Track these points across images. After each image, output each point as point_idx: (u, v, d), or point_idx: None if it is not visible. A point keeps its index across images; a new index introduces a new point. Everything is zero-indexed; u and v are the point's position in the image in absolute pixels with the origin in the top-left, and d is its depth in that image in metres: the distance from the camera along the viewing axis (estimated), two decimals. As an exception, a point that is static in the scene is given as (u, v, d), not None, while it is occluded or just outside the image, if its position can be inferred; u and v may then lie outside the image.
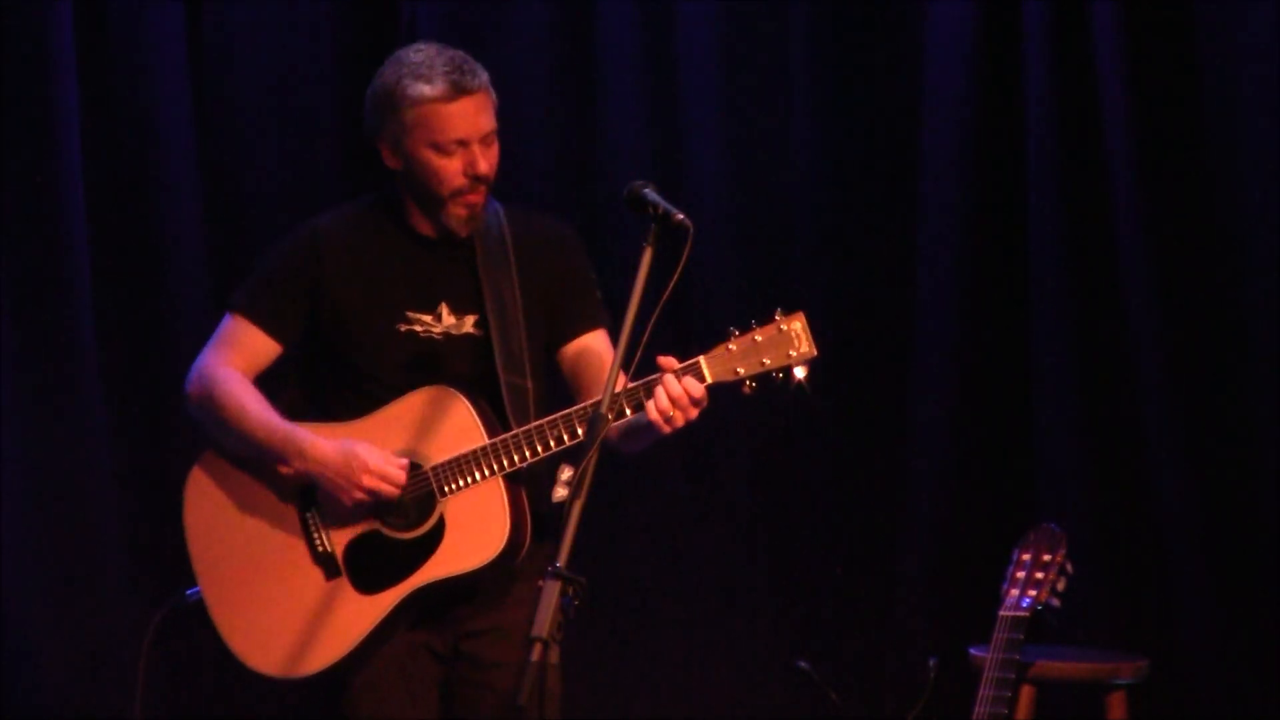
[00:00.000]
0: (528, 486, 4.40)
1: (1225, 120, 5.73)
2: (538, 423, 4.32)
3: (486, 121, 4.41)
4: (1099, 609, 5.79)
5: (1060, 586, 4.90)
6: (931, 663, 5.45)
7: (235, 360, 4.48)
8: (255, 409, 4.42)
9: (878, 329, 6.10)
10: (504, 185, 6.24)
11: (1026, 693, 5.10)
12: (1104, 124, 5.82)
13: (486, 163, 4.40)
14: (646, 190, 4.25)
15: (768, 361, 4.23)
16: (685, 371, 4.23)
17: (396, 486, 4.33)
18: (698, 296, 6.02)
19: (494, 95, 4.43)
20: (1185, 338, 5.80)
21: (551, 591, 3.77)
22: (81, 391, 5.84)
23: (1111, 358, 5.88)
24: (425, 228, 4.48)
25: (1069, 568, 4.92)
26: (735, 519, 6.12)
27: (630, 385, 4.22)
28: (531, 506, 4.39)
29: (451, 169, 4.39)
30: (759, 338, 4.24)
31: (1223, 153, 5.74)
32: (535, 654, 3.69)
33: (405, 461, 4.35)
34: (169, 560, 5.90)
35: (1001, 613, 4.90)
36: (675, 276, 4.21)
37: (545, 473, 4.37)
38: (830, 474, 6.14)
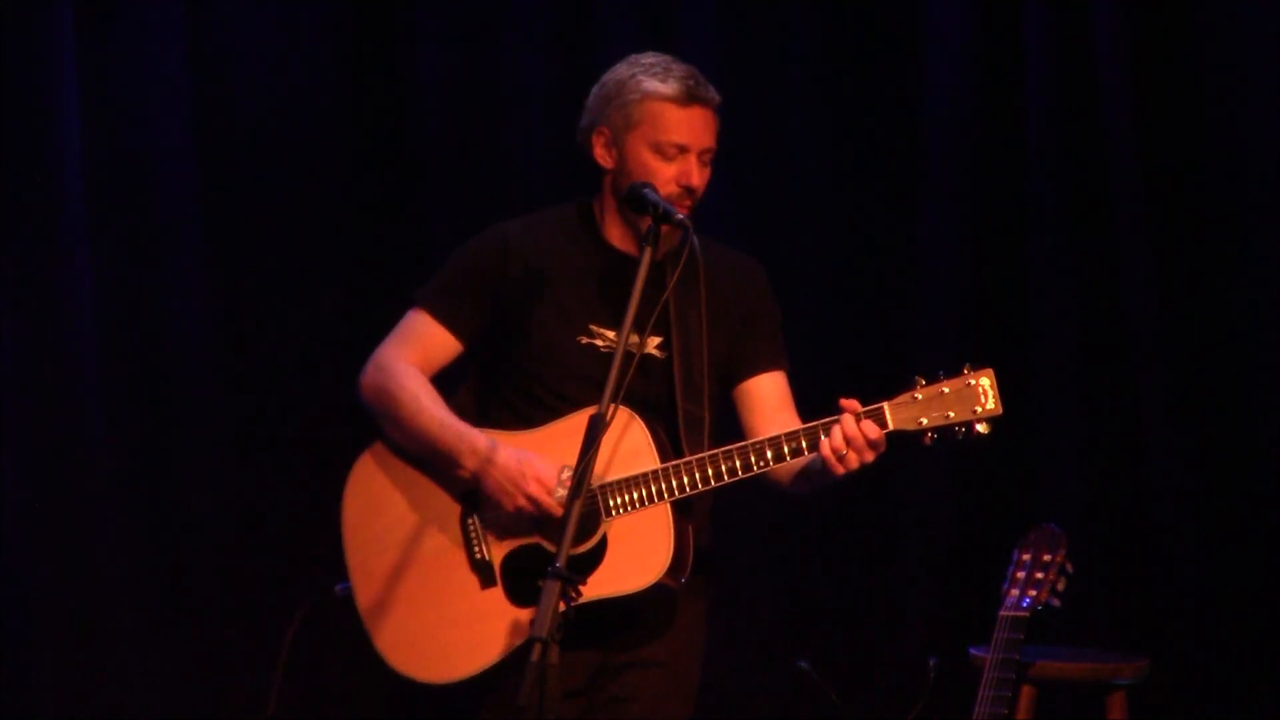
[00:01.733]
0: (694, 516, 4.33)
1: (1227, 115, 5.73)
2: (711, 451, 4.26)
3: (710, 138, 4.36)
4: (1099, 609, 5.79)
5: (1060, 586, 4.90)
6: (931, 663, 5.45)
7: (414, 356, 4.42)
8: (431, 406, 4.36)
9: (877, 328, 6.10)
10: (506, 189, 6.27)
11: (1026, 693, 5.10)
12: (1104, 122, 5.83)
13: (700, 177, 4.33)
14: (646, 190, 4.26)
15: (952, 414, 4.19)
16: (867, 415, 4.18)
17: (560, 504, 4.23)
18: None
19: (720, 122, 4.39)
20: (1186, 337, 5.80)
21: (551, 592, 3.77)
22: (81, 391, 5.84)
23: (1112, 357, 5.88)
24: (620, 240, 4.41)
25: (1069, 568, 4.92)
26: (735, 519, 6.12)
27: (809, 425, 4.20)
28: (694, 537, 4.32)
29: (665, 174, 4.31)
30: (946, 389, 4.20)
31: (1224, 148, 5.74)
32: (535, 654, 3.70)
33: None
34: (169, 561, 5.95)
35: (1001, 613, 4.89)
36: (675, 276, 4.22)
37: (712, 506, 4.35)
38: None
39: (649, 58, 4.38)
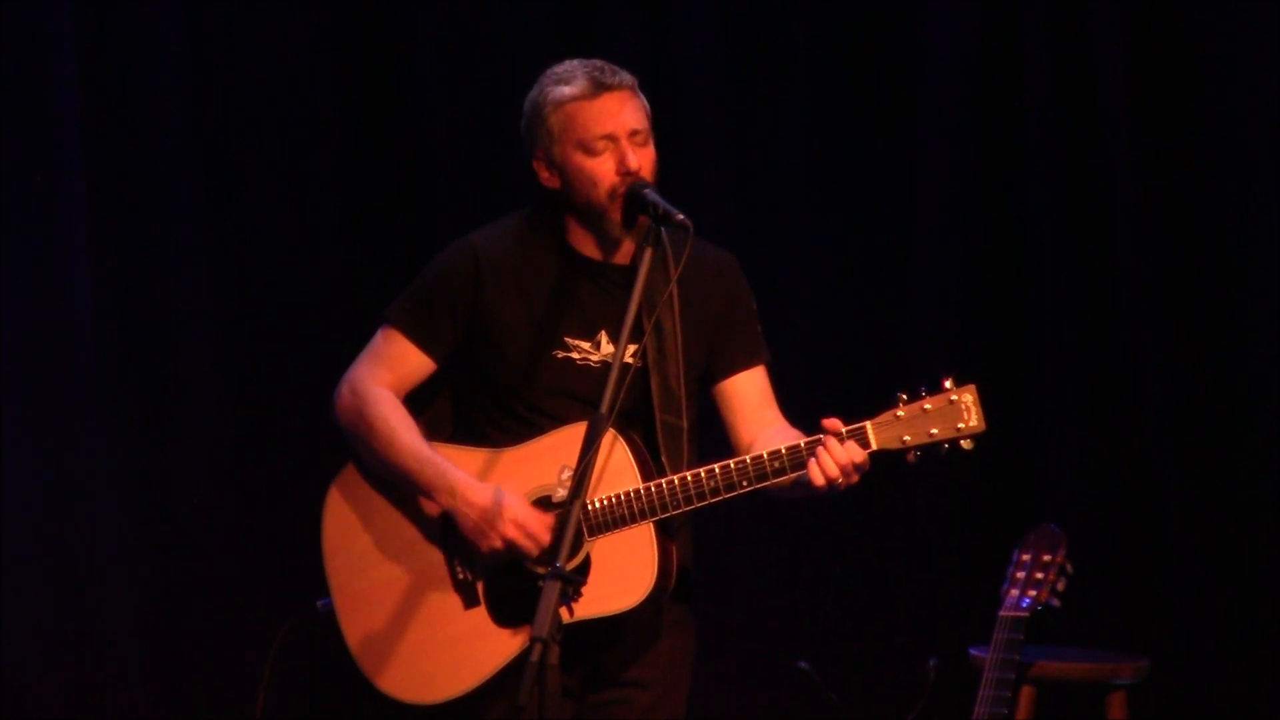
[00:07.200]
0: (678, 537, 4.31)
1: (1225, 114, 5.74)
2: (694, 471, 4.22)
3: (633, 118, 4.30)
4: (1099, 609, 5.79)
5: (1060, 586, 4.90)
6: (931, 663, 5.45)
7: (387, 377, 4.37)
8: (406, 436, 4.31)
9: (876, 329, 6.11)
10: (508, 196, 6.26)
11: (1026, 693, 5.10)
12: (1103, 121, 5.84)
13: (637, 158, 4.28)
14: (646, 190, 4.24)
15: (935, 432, 4.15)
16: (850, 436, 4.15)
17: (536, 546, 4.21)
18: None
19: (645, 101, 4.34)
20: (1186, 337, 5.80)
21: (551, 591, 3.77)
22: (81, 392, 5.83)
23: (1111, 358, 5.89)
24: (588, 248, 4.36)
25: (1069, 568, 4.92)
26: (735, 519, 6.12)
27: (792, 445, 4.17)
28: (679, 558, 4.29)
29: (603, 168, 4.27)
30: (928, 406, 4.15)
31: (1222, 148, 5.75)
32: (535, 654, 3.70)
33: (550, 520, 4.23)
34: (171, 563, 5.95)
35: (1001, 613, 4.89)
36: (675, 276, 4.21)
37: (695, 525, 4.32)
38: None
39: (556, 67, 4.36)
